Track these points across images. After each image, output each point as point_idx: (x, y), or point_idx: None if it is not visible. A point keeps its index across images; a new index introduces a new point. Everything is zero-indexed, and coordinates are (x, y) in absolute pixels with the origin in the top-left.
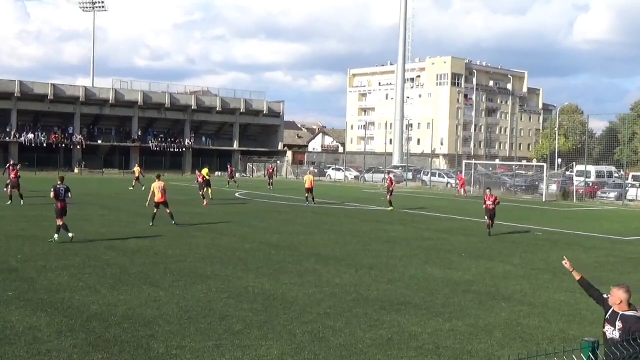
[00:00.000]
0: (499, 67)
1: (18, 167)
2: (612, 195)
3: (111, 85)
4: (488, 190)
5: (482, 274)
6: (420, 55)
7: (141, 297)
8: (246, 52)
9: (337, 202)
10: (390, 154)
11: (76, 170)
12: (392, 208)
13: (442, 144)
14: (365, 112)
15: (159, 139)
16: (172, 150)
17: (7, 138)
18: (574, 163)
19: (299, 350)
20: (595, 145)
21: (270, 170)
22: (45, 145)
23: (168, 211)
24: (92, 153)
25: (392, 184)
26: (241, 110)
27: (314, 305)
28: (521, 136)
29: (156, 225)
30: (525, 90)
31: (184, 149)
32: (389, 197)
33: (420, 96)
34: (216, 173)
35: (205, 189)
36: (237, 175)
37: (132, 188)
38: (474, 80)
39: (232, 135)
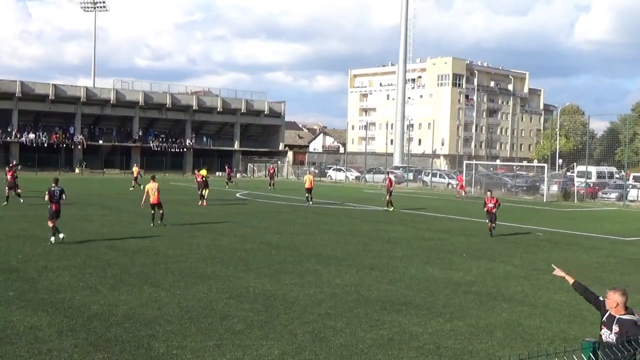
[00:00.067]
0: (500, 68)
1: (18, 168)
2: (613, 195)
3: (112, 85)
4: (489, 193)
5: (483, 274)
6: (421, 56)
7: (142, 297)
8: (247, 52)
9: (338, 202)
10: (391, 155)
11: (77, 170)
12: (392, 208)
13: (442, 144)
14: (366, 112)
15: (160, 139)
16: (172, 150)
17: (8, 138)
18: (575, 163)
19: (300, 350)
20: (596, 146)
21: (272, 171)
22: (46, 145)
23: (160, 212)
24: (93, 153)
25: (391, 184)
26: (242, 111)
27: (315, 305)
28: (522, 136)
29: (156, 226)
30: (526, 90)
31: (185, 149)
32: (387, 197)
33: (421, 96)
34: (217, 173)
35: (203, 189)
36: (238, 175)
37: (132, 188)
38: (475, 80)
39: (233, 135)
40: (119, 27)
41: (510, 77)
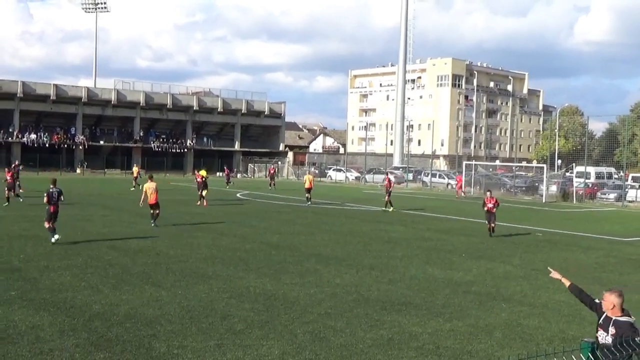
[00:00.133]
0: (500, 68)
1: (20, 168)
2: (612, 196)
3: (113, 85)
4: (488, 193)
5: (483, 274)
6: (421, 56)
7: (143, 296)
8: (247, 52)
9: (338, 202)
10: (391, 155)
11: (78, 171)
12: (391, 209)
13: (442, 144)
14: (366, 113)
15: (161, 140)
16: (173, 150)
17: (10, 138)
18: (574, 164)
19: (300, 349)
20: (595, 147)
21: (272, 171)
22: (47, 145)
23: (157, 212)
24: (94, 153)
25: (390, 185)
26: (242, 111)
27: (315, 305)
28: (521, 137)
29: (157, 225)
30: (525, 91)
31: (186, 150)
32: (386, 197)
33: (420, 97)
34: (217, 174)
35: (203, 190)
36: (238, 176)
37: (132, 188)
38: (475, 81)
39: (234, 135)
40: (120, 27)
41: (510, 77)
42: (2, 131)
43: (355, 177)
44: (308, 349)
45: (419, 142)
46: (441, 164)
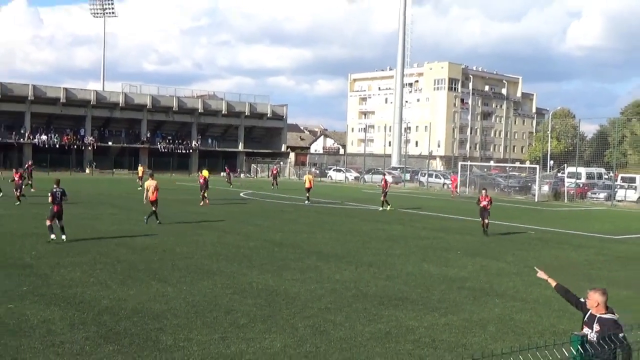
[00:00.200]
0: (494, 73)
1: (33, 167)
2: (602, 196)
3: (121, 89)
4: (484, 191)
5: (477, 271)
6: (419, 61)
7: (150, 292)
8: (251, 57)
9: (338, 202)
10: (389, 156)
11: (87, 171)
12: (388, 207)
13: (438, 146)
14: (365, 115)
15: (167, 141)
16: (179, 151)
17: (22, 139)
18: (565, 165)
19: (301, 342)
20: (586, 148)
21: (275, 171)
22: (57, 146)
23: (154, 209)
24: (103, 154)
25: (386, 185)
26: (246, 113)
27: (315, 300)
28: (515, 139)
29: (163, 223)
30: (519, 94)
31: (191, 151)
32: (382, 197)
33: (418, 100)
34: (221, 174)
35: (205, 190)
36: (242, 176)
37: (140, 188)
38: (470, 85)
39: (237, 137)
40: (128, 32)
41: (504, 81)
42: (14, 133)
43: (355, 177)
44: (309, 342)
45: (416, 143)
46: (437, 165)
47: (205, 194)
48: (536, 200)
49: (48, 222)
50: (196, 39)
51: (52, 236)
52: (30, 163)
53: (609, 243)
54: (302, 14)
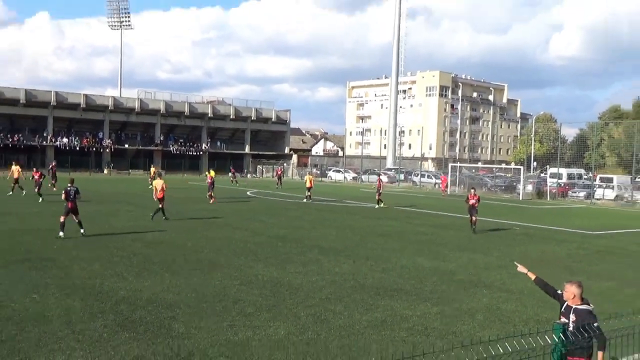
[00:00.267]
0: (482, 80)
1: (56, 168)
2: (582, 194)
3: (137, 95)
4: (472, 190)
5: (466, 264)
6: (412, 70)
7: (163, 283)
8: (257, 66)
9: (337, 200)
10: (385, 158)
11: (105, 171)
12: (382, 204)
13: (430, 148)
14: (362, 120)
15: (179, 143)
16: (190, 153)
17: (44, 142)
18: (548, 166)
19: (303, 330)
20: (567, 150)
21: (279, 172)
22: (78, 148)
23: (160, 205)
24: (120, 156)
25: (380, 184)
26: (252, 118)
27: (317, 291)
28: (501, 142)
29: (173, 220)
30: (505, 100)
31: (201, 152)
32: (377, 196)
33: (411, 106)
34: (229, 174)
35: (212, 190)
36: (248, 176)
37: (150, 187)
38: (460, 91)
39: (244, 140)
40: (143, 43)
41: (491, 88)
42: (37, 136)
43: (353, 177)
44: (310, 329)
45: (410, 146)
46: (429, 166)
47: (212, 193)
48: (521, 198)
49: (62, 219)
50: (206, 50)
51: (61, 234)
52: (54, 164)
53: (589, 238)
54: (304, 27)
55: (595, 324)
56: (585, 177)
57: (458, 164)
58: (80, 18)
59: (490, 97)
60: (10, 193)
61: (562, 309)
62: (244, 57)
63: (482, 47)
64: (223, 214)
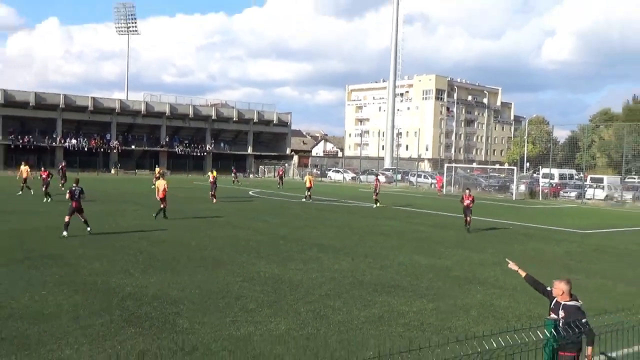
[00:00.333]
0: (477, 84)
1: (65, 168)
2: (573, 194)
3: (143, 98)
4: (467, 191)
5: (461, 261)
6: (409, 74)
7: (168, 280)
8: (259, 70)
9: (337, 199)
10: (382, 158)
11: (113, 171)
12: (378, 204)
13: (427, 149)
14: (361, 122)
15: (184, 145)
16: (195, 154)
17: (54, 143)
18: (540, 166)
19: (303, 325)
20: (559, 151)
21: (281, 172)
22: (86, 149)
23: (162, 205)
24: (127, 156)
25: (377, 185)
26: (254, 120)
27: (316, 287)
28: (495, 143)
29: (172, 218)
30: (499, 103)
31: (205, 153)
32: (374, 195)
33: (408, 108)
34: (231, 174)
35: (215, 190)
36: (251, 176)
37: (153, 186)
38: (455, 95)
39: (247, 141)
40: (149, 48)
41: (485, 92)
42: (47, 137)
43: (352, 178)
44: (310, 325)
45: (407, 147)
46: (426, 166)
47: (214, 193)
48: (514, 198)
49: (67, 219)
50: (210, 54)
51: (64, 233)
52: (63, 164)
53: (581, 237)
54: (304, 33)
55: (584, 320)
56: (577, 177)
57: (453, 165)
58: (88, 24)
59: (485, 100)
60: (20, 193)
61: (552, 305)
62: (246, 61)
63: (477, 51)
64: (226, 213)
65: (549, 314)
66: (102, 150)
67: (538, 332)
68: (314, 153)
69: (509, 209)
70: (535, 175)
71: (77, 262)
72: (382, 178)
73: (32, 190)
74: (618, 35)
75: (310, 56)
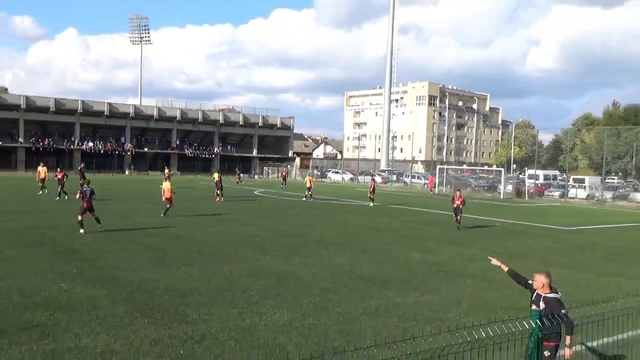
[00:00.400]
0: (467, 90)
1: (82, 169)
2: (557, 194)
3: (155, 103)
4: (458, 192)
5: (453, 256)
6: (403, 81)
7: (179, 274)
8: (263, 77)
9: (336, 198)
10: (379, 160)
11: (127, 172)
12: (373, 203)
13: (420, 152)
14: (358, 126)
15: (193, 147)
16: (203, 156)
17: (72, 146)
18: (526, 168)
19: (305, 316)
20: (543, 154)
21: (284, 173)
22: (102, 151)
23: (168, 205)
24: (140, 158)
25: (373, 185)
26: (259, 124)
27: (317, 281)
28: (484, 146)
29: (183, 215)
30: (487, 109)
31: (213, 155)
32: (370, 195)
33: (403, 113)
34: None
35: (221, 189)
36: (256, 177)
37: (161, 186)
38: (447, 100)
39: (252, 144)
40: (161, 57)
41: (475, 98)
42: (65, 140)
43: (350, 178)
44: (311, 316)
45: (401, 149)
46: (419, 168)
47: (218, 192)
48: (501, 197)
49: (79, 218)
50: (218, 63)
51: (81, 231)
52: (83, 165)
53: (564, 234)
54: (306, 42)
55: (563, 311)
56: (560, 178)
57: (445, 166)
58: (104, 34)
59: (474, 106)
60: (40, 192)
61: (533, 298)
62: (251, 69)
63: (467, 60)
64: (233, 211)
65: (530, 306)
66: (117, 152)
67: (524, 322)
68: (314, 155)
69: (497, 207)
70: (521, 176)
71: (94, 257)
72: (378, 178)
73: (46, 190)
74: (599, 46)
75: (311, 64)
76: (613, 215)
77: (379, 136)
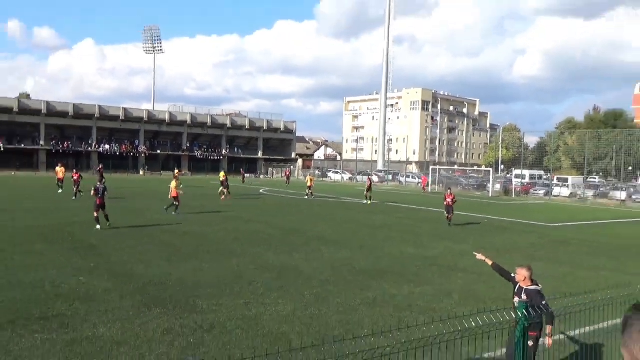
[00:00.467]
0: (458, 96)
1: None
2: (541, 192)
3: (167, 109)
4: (449, 190)
5: (445, 251)
6: (398, 87)
7: (189, 268)
8: (268, 84)
9: (336, 197)
10: (376, 161)
11: (141, 173)
12: (370, 201)
13: (414, 153)
14: (357, 129)
15: (203, 149)
16: (212, 158)
17: (90, 148)
18: (513, 168)
19: (307, 307)
20: (529, 155)
21: (288, 173)
22: (118, 153)
23: (174, 203)
24: (153, 159)
25: (369, 184)
26: (264, 128)
27: (318, 274)
28: (474, 148)
29: (178, 214)
30: (477, 113)
31: (222, 157)
32: (366, 193)
33: (398, 118)
34: (246, 175)
35: (222, 189)
36: (261, 177)
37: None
38: (439, 106)
39: (257, 146)
40: (172, 65)
41: (465, 103)
42: (83, 143)
43: (349, 178)
44: (313, 306)
45: (397, 151)
46: (413, 168)
47: (224, 191)
48: (490, 195)
49: (95, 214)
50: (225, 71)
51: (98, 227)
52: (101, 166)
53: (549, 230)
54: (308, 52)
55: (544, 302)
56: (545, 177)
57: (437, 167)
58: (120, 44)
59: (465, 110)
60: (60, 191)
61: (515, 290)
62: (257, 77)
63: (457, 68)
64: (239, 209)
65: (513, 298)
66: (131, 154)
67: (512, 312)
68: (316, 157)
69: (486, 205)
70: (508, 175)
71: (110, 252)
72: (375, 178)
73: (62, 189)
74: (581, 55)
75: (312, 72)
76: (594, 212)
77: (376, 139)
